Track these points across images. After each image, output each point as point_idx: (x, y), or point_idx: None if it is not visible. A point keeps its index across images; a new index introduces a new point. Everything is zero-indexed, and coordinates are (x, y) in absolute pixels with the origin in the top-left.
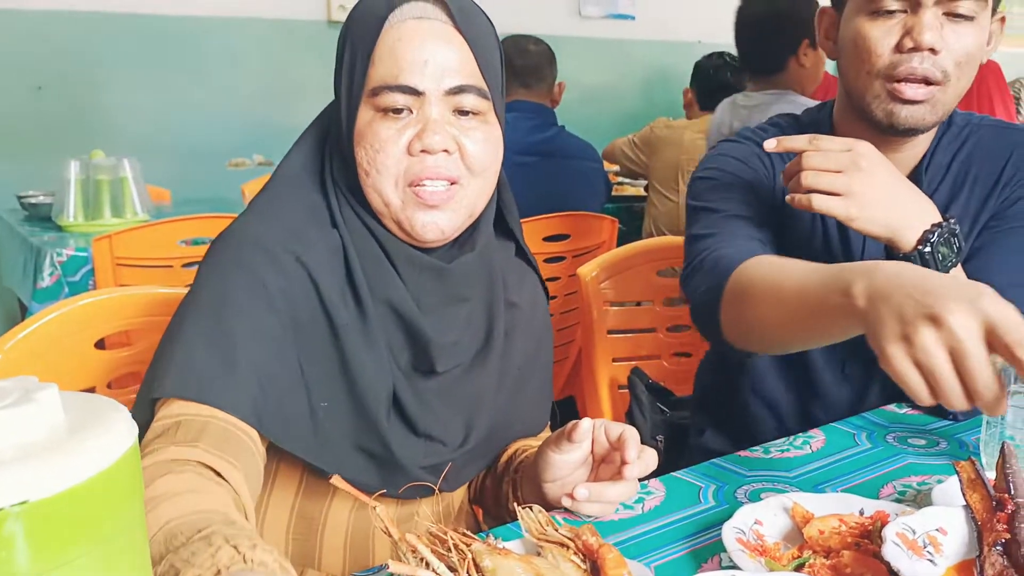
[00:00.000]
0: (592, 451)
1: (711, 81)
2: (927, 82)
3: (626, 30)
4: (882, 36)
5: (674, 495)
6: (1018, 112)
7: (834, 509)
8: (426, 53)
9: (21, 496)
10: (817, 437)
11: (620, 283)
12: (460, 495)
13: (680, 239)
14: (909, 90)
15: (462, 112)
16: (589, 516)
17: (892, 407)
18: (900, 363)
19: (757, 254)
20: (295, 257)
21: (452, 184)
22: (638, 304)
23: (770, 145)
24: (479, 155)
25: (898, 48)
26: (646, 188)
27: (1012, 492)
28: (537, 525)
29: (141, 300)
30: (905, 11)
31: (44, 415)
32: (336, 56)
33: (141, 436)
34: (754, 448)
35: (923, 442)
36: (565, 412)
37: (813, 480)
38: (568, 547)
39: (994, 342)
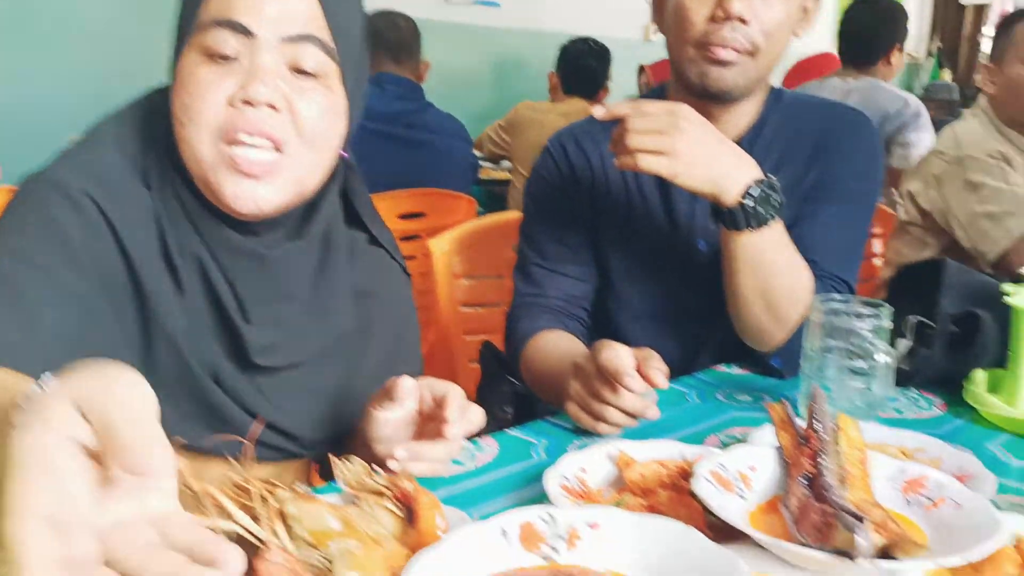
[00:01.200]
0: (421, 410)
1: (575, 66)
2: (737, 51)
3: (491, 17)
4: (697, 7)
5: (507, 451)
6: None
7: (657, 456)
8: None
9: None
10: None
11: (473, 257)
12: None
13: None
14: (721, 52)
15: (300, 71)
16: (421, 475)
17: (722, 367)
18: (571, 412)
19: (540, 330)
20: (97, 207)
21: (276, 150)
22: (500, 277)
23: (598, 113)
24: (313, 120)
25: (712, 18)
26: (511, 171)
27: (818, 430)
28: (355, 476)
29: None
30: None
31: None
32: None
33: None
34: None
35: (749, 398)
36: None
37: (642, 434)
38: (384, 495)
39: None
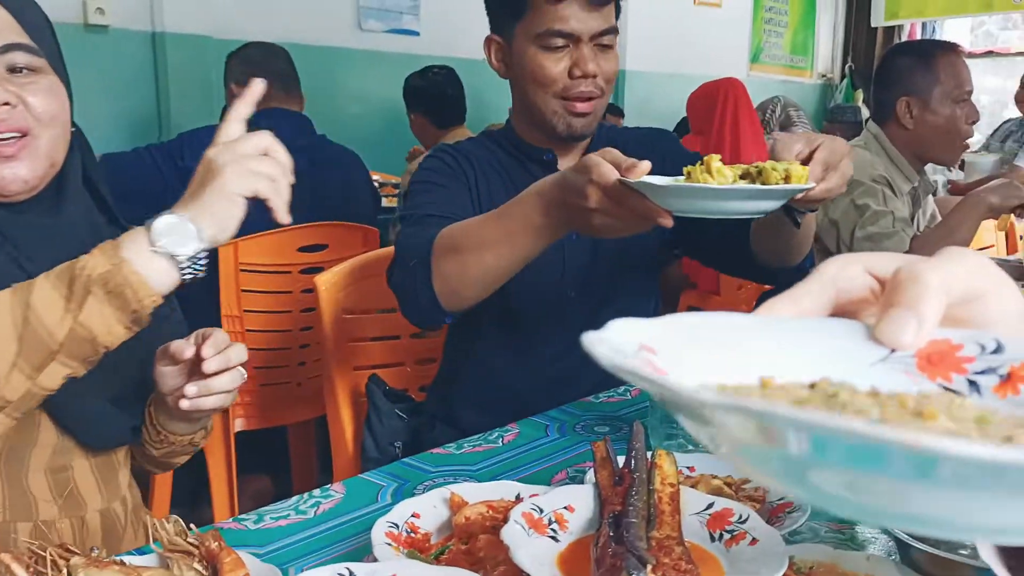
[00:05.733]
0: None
1: (440, 98)
2: (590, 98)
3: (410, 45)
4: (554, 64)
5: (352, 497)
6: (768, 128)
7: (492, 496)
8: None
9: None
10: (512, 431)
11: (363, 290)
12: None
13: None
14: (580, 106)
15: (15, 70)
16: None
17: (590, 398)
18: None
19: (443, 227)
20: None
21: (24, 136)
22: (392, 311)
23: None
24: (43, 105)
25: (569, 75)
26: None
27: (632, 467)
28: (168, 536)
29: None
30: (568, 46)
31: None
32: None
33: None
34: (448, 445)
35: (607, 428)
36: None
37: (493, 472)
38: (193, 555)
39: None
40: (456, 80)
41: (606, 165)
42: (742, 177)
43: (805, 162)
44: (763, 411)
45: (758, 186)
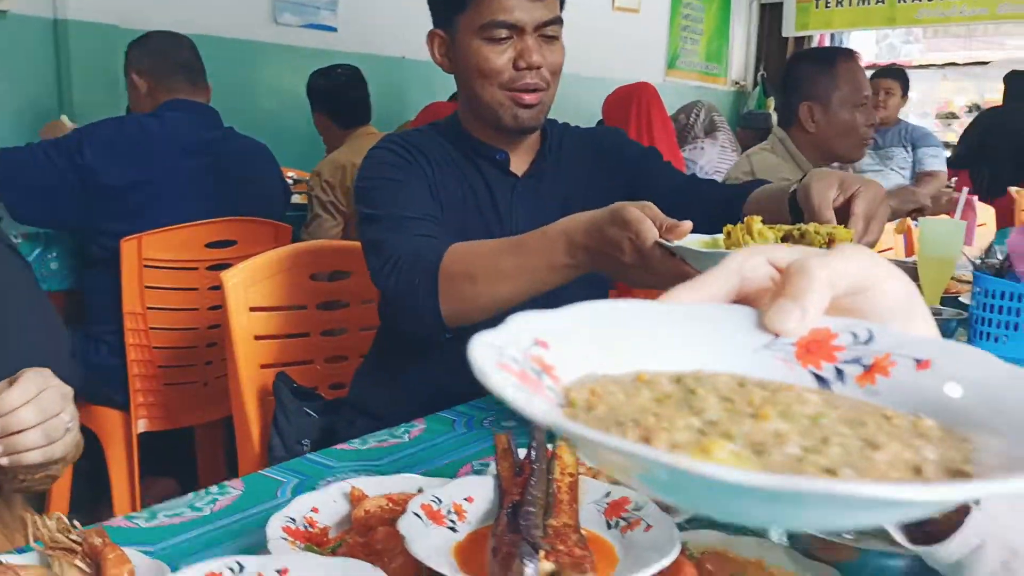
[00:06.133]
0: None
1: (347, 98)
2: (536, 89)
3: (327, 41)
4: (498, 56)
5: (251, 493)
6: (692, 132)
7: (393, 490)
8: None
9: None
10: (418, 426)
11: (271, 287)
12: None
13: (333, 243)
14: (527, 97)
15: None
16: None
17: None
18: (637, 277)
19: (447, 243)
20: None
21: None
22: (303, 308)
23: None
24: None
25: (514, 66)
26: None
27: (533, 457)
28: (49, 533)
29: None
30: (512, 37)
31: None
32: None
33: None
34: (352, 440)
35: (514, 423)
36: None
37: (397, 466)
38: (76, 552)
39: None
40: (360, 81)
41: (647, 223)
42: (783, 239)
43: (840, 208)
44: (584, 436)
45: None
